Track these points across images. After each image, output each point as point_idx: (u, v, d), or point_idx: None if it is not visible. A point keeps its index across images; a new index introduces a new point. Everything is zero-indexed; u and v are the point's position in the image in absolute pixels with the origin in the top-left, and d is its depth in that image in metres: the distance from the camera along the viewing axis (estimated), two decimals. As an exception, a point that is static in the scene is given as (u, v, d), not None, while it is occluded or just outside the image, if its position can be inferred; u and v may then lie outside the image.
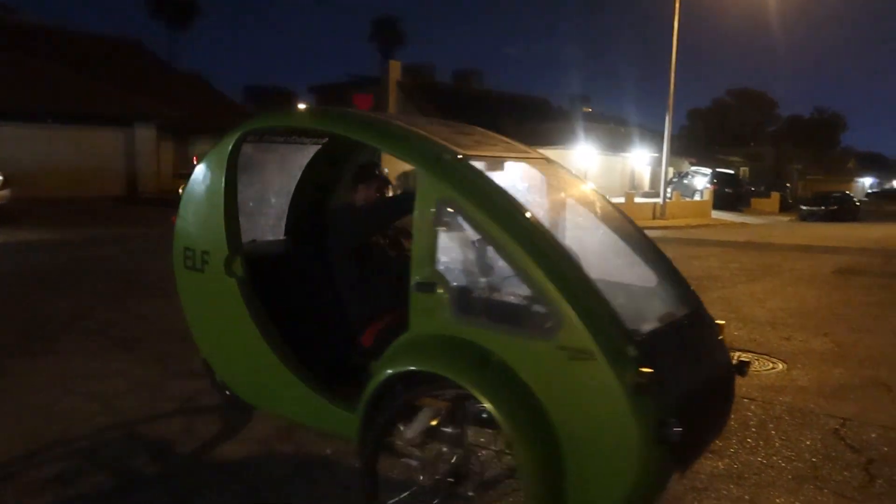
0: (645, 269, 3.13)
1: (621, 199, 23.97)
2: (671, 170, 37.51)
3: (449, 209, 2.59)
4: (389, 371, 2.63)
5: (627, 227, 3.31)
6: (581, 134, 32.64)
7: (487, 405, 2.34)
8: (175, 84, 30.92)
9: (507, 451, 2.54)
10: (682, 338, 2.76)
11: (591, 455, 2.29)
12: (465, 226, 2.62)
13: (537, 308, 2.46)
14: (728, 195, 31.35)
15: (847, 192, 38.80)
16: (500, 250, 2.51)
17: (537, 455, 2.31)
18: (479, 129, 3.51)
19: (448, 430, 2.60)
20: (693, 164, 38.63)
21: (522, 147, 3.46)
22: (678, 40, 24.78)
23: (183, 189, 3.58)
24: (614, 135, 36.54)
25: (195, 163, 3.63)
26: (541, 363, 2.35)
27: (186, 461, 3.54)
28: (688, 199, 29.86)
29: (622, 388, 2.19)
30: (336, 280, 3.32)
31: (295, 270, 3.72)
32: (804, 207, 30.81)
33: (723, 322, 3.02)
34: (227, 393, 3.87)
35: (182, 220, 3.53)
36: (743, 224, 25.53)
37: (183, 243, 3.50)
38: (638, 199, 27.81)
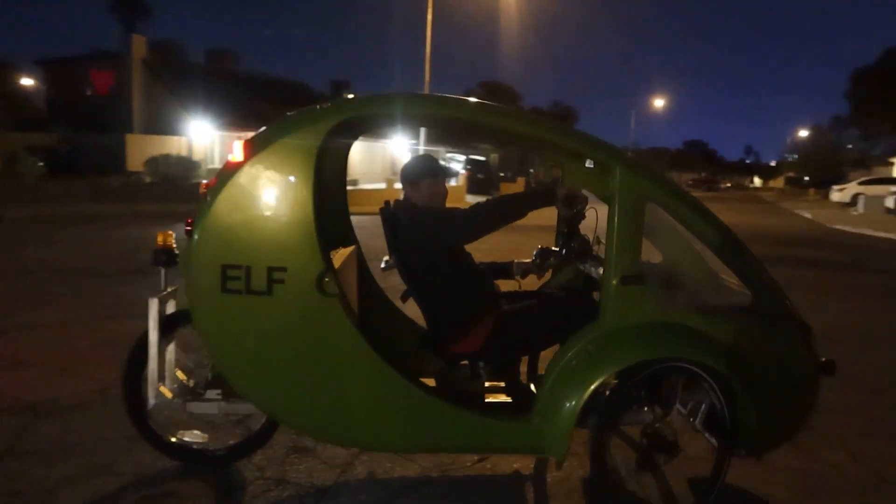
0: None
1: (383, 185, 24.56)
2: (430, 157, 39.22)
3: (651, 203, 2.80)
4: (623, 364, 2.73)
5: None
6: (343, 120, 32.55)
7: (725, 376, 2.73)
8: None
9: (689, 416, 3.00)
10: None
11: (785, 389, 2.91)
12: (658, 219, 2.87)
13: (736, 287, 2.94)
14: (480, 180, 33.59)
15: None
16: (703, 240, 2.89)
17: (753, 399, 2.78)
18: None
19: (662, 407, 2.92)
20: (449, 152, 40.81)
21: None
22: (435, 32, 26.00)
23: (209, 188, 2.69)
24: (376, 122, 37.16)
25: (234, 153, 2.70)
26: (744, 331, 2.86)
27: None
28: (445, 185, 31.41)
29: (806, 339, 2.91)
30: (421, 285, 3.06)
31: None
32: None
33: None
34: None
35: (214, 229, 2.66)
36: (494, 207, 27.40)
37: (219, 260, 2.64)
38: (398, 185, 28.64)
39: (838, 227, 20.78)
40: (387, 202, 3.20)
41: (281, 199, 2.66)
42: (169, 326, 3.13)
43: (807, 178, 53.42)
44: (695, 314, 2.86)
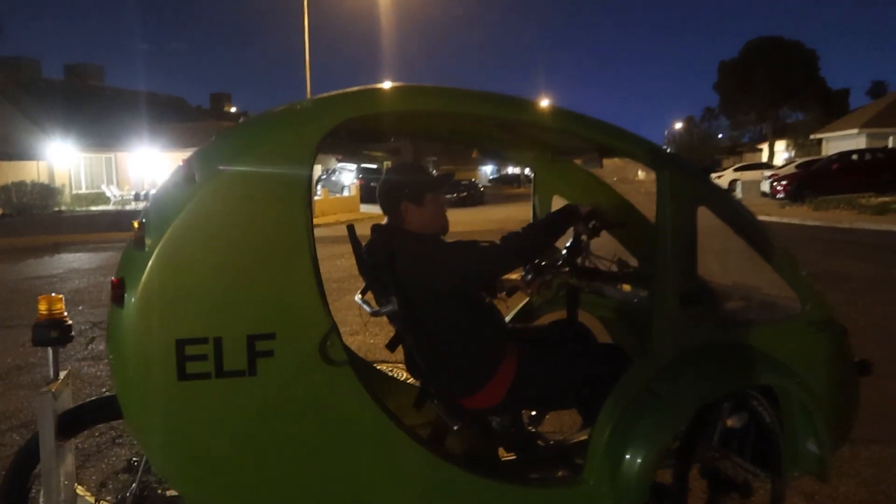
0: None
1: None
2: (319, 167, 38.13)
3: (703, 209, 2.44)
4: (702, 402, 2.35)
5: None
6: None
7: (799, 395, 2.48)
8: None
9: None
10: None
11: (834, 398, 2.65)
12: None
13: (785, 293, 2.64)
14: (374, 189, 32.89)
15: (473, 179, 43.87)
16: (752, 244, 2.57)
17: (812, 413, 2.49)
18: None
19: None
20: (339, 161, 39.70)
21: None
22: (313, 37, 24.94)
23: (143, 232, 1.85)
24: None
25: (179, 176, 1.91)
26: (793, 341, 2.58)
27: None
28: (336, 196, 30.49)
29: (847, 342, 2.71)
30: (430, 330, 2.38)
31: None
32: (440, 196, 33.77)
33: None
34: None
35: (160, 288, 1.83)
36: (389, 216, 26.81)
37: (172, 333, 1.83)
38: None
39: (724, 213, 21.43)
40: (350, 227, 2.61)
41: (262, 234, 1.91)
42: (68, 429, 2.20)
43: (686, 168, 56.21)
44: (752, 329, 2.56)
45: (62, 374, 2.24)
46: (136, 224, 1.88)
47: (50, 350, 2.20)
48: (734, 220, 2.56)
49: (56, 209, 23.45)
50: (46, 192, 23.73)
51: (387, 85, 2.20)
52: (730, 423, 2.49)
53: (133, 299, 1.82)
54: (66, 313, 2.21)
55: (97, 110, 31.42)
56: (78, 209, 24.32)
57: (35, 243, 17.33)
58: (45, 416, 2.06)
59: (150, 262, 1.81)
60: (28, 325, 2.26)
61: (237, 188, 1.89)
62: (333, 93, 2.14)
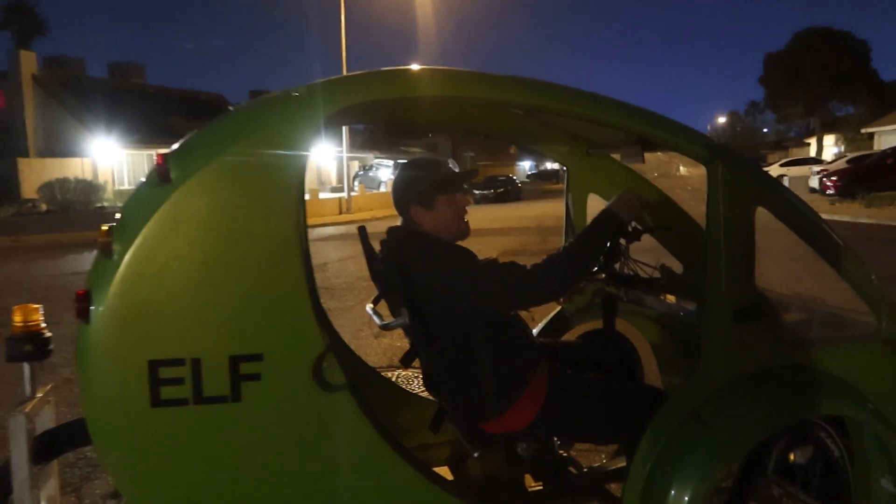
0: None
1: (306, 196, 23.35)
2: (356, 163, 38.21)
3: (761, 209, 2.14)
4: (762, 434, 2.06)
5: None
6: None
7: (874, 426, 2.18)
8: None
9: None
10: None
11: None
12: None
13: (857, 306, 2.32)
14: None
15: (511, 175, 43.47)
16: (820, 252, 2.23)
17: (893, 445, 2.18)
18: None
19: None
20: (377, 157, 39.77)
21: None
22: (349, 30, 24.89)
23: (111, 237, 1.64)
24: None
25: (153, 174, 1.71)
26: (866, 363, 2.26)
27: None
28: (373, 191, 30.44)
29: None
30: (447, 347, 2.13)
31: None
32: (477, 192, 33.56)
33: None
34: None
35: (130, 303, 1.63)
36: (425, 212, 26.66)
37: (144, 354, 1.64)
38: (324, 195, 27.46)
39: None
40: (362, 229, 2.39)
41: (247, 241, 1.69)
42: (46, 452, 2.01)
43: (730, 163, 54.80)
44: (819, 349, 2.22)
45: (40, 393, 2.05)
46: (104, 228, 1.66)
47: (26, 366, 2.00)
48: (798, 222, 2.23)
49: (98, 205, 23.82)
50: (89, 188, 24.13)
51: (393, 69, 1.94)
52: (792, 457, 2.18)
53: (100, 314, 1.60)
54: (43, 325, 2.01)
55: (139, 108, 31.88)
56: (120, 205, 24.71)
57: (77, 239, 17.61)
58: (17, 439, 1.86)
59: (118, 272, 1.60)
60: (55, 324, 2.07)
61: (218, 187, 1.67)
62: (332, 78, 1.90)
